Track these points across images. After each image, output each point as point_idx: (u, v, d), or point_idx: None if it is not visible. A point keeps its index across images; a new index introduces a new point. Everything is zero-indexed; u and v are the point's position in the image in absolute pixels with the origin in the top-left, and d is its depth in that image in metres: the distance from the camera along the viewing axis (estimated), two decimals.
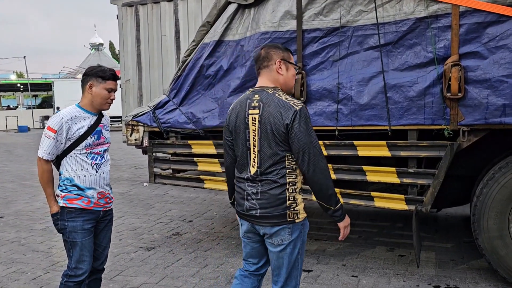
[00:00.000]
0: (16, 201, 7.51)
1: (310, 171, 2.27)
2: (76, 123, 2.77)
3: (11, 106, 38.95)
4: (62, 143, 2.75)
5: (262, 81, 2.44)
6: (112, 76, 2.81)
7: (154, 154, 4.87)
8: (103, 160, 2.91)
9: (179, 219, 6.12)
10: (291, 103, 2.29)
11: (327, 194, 2.32)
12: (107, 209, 2.97)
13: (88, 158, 2.82)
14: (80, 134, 2.77)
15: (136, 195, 7.81)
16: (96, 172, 2.85)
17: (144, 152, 5.06)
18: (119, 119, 8.40)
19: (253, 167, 2.38)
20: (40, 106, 36.95)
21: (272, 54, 2.42)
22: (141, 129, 4.79)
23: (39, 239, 5.30)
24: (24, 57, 32.73)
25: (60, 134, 2.72)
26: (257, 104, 2.35)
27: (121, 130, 6.31)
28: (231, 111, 2.49)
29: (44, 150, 2.74)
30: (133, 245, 5.00)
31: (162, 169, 5.02)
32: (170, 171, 4.99)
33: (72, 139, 2.76)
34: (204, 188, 4.74)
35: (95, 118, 2.86)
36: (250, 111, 2.37)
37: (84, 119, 2.81)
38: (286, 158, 2.33)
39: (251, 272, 2.61)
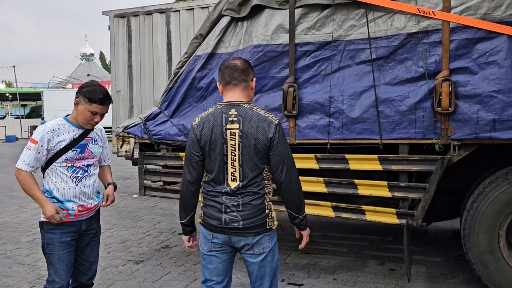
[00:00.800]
0: (2, 213, 7.38)
1: (287, 181, 2.37)
2: (58, 136, 2.72)
3: None
4: (43, 155, 2.70)
5: (237, 95, 2.40)
6: (99, 100, 2.70)
7: (144, 166, 4.83)
8: (86, 174, 2.84)
9: (169, 231, 6.06)
10: (269, 117, 2.35)
11: (298, 204, 2.44)
12: (91, 215, 2.91)
13: (68, 171, 2.77)
14: (61, 147, 2.72)
15: (125, 207, 7.73)
16: (76, 185, 2.79)
17: (134, 164, 5.02)
18: (110, 130, 8.34)
19: (232, 181, 2.36)
20: (28, 115, 36.58)
21: (250, 70, 2.44)
22: (132, 140, 4.76)
23: (26, 252, 5.21)
24: (14, 66, 32.55)
25: (42, 146, 2.68)
26: (235, 119, 2.33)
27: (111, 141, 6.26)
28: (202, 126, 2.38)
29: (24, 161, 2.69)
30: (121, 258, 4.93)
31: (152, 181, 4.98)
32: (161, 183, 4.95)
33: (52, 152, 2.72)
34: None
35: (80, 132, 2.81)
36: (228, 126, 2.34)
37: (68, 132, 2.76)
38: (264, 170, 2.39)
39: None
